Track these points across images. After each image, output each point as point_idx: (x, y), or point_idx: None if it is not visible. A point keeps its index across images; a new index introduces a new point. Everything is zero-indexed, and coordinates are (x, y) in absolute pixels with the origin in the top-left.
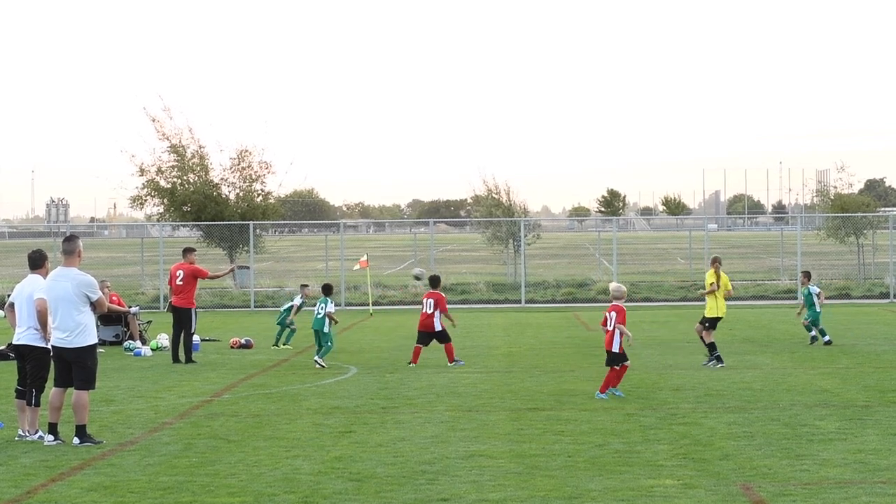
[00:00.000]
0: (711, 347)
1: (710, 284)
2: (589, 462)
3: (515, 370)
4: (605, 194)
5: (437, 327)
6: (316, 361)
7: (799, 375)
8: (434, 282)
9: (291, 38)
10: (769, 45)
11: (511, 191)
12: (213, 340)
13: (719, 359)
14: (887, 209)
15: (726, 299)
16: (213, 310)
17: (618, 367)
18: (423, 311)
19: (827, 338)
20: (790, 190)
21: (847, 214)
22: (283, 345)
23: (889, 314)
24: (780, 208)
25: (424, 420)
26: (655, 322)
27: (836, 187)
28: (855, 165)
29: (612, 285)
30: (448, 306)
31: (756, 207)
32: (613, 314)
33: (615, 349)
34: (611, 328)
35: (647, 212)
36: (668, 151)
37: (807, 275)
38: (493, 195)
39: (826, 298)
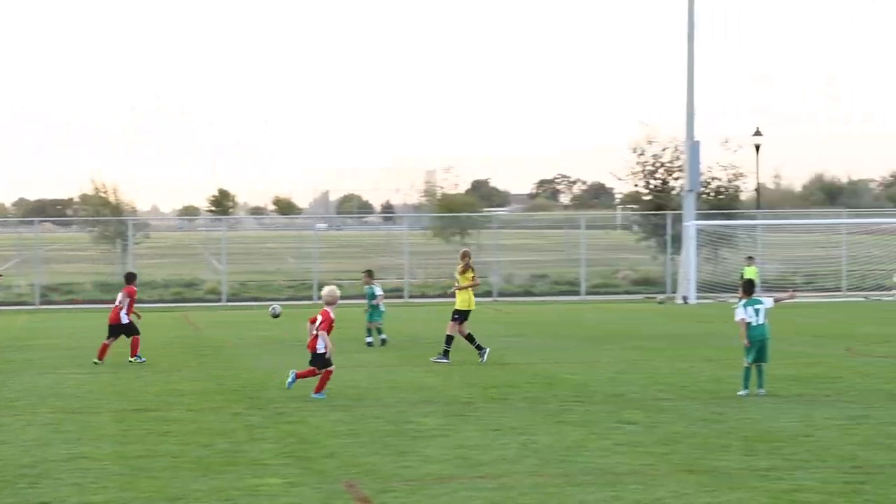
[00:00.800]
0: (469, 339)
1: (473, 278)
2: (194, 462)
3: (122, 371)
4: (216, 194)
5: (124, 320)
6: None
7: (404, 373)
8: (129, 278)
9: None
10: (378, 52)
11: (119, 190)
12: None
13: (480, 348)
14: (491, 209)
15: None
16: None
17: (320, 371)
18: (115, 305)
19: (383, 336)
20: (398, 190)
21: (453, 214)
22: None
23: (492, 312)
24: (388, 208)
25: (26, 423)
26: (264, 321)
27: (442, 188)
28: (461, 166)
29: (325, 290)
30: (53, 306)
31: (365, 207)
32: (320, 318)
33: (319, 350)
34: (313, 333)
35: (257, 211)
36: (279, 151)
37: (369, 273)
38: (101, 194)
39: (433, 296)
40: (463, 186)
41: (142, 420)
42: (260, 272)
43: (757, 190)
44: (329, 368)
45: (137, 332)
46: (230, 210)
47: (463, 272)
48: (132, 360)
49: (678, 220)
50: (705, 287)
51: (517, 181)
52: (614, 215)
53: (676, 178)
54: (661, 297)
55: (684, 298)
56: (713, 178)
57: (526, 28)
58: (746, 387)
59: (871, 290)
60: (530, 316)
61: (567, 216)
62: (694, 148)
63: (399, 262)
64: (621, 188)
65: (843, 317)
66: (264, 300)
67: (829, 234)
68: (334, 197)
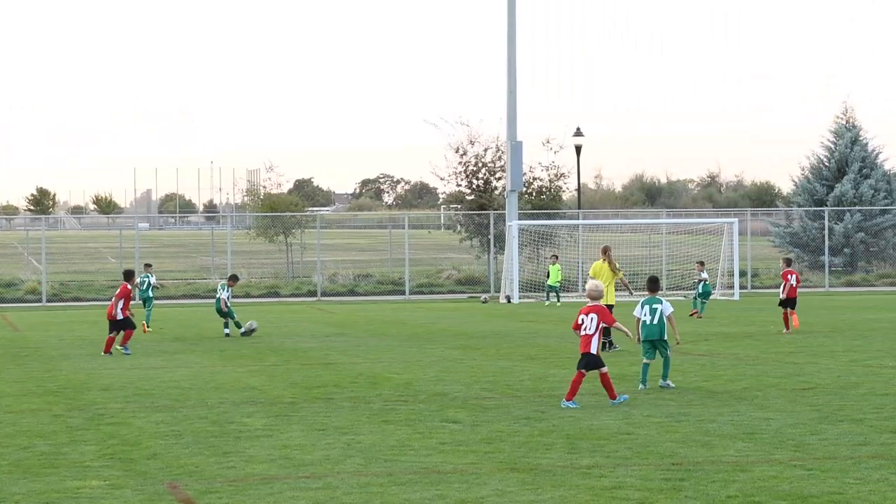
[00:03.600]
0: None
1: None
2: (13, 465)
3: None
4: (35, 192)
5: (119, 316)
6: None
7: (227, 373)
8: (126, 275)
9: None
10: (198, 49)
11: None
12: None
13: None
14: (314, 209)
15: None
16: None
17: (587, 372)
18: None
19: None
20: (221, 189)
21: (276, 214)
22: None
23: (316, 312)
24: (211, 207)
25: None
26: (85, 322)
27: (265, 187)
28: (284, 165)
29: (589, 284)
30: None
31: (188, 206)
32: (594, 316)
33: (593, 350)
34: (590, 332)
35: (77, 211)
36: (100, 150)
37: (147, 266)
38: None
39: (256, 296)
40: (286, 185)
41: None
42: (81, 272)
43: (578, 190)
44: (602, 370)
45: (133, 327)
46: (50, 209)
47: (612, 268)
48: (120, 348)
49: (501, 219)
50: (528, 286)
51: (340, 180)
52: (438, 215)
53: (499, 178)
54: (484, 296)
55: (507, 298)
56: (535, 179)
57: (350, 24)
58: (644, 381)
59: (690, 290)
60: (354, 315)
61: (391, 216)
62: (516, 148)
63: (223, 262)
64: (444, 188)
65: None
66: (85, 300)
67: (650, 233)
68: (156, 196)
